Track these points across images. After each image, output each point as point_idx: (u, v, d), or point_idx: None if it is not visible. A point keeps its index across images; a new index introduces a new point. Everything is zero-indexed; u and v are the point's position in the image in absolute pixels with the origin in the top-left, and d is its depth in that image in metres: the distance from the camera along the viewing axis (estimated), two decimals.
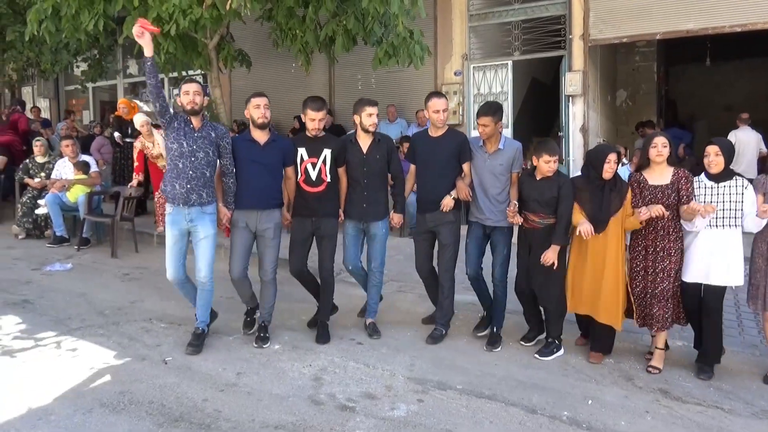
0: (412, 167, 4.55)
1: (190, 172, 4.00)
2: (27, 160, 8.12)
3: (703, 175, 3.87)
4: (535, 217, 4.07)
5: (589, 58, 8.22)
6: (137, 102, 8.72)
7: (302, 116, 4.34)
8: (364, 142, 4.38)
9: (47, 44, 8.45)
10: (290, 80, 10.26)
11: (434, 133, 4.39)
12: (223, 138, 4.17)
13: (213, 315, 4.40)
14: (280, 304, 4.74)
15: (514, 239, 4.33)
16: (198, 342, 4.11)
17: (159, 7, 6.17)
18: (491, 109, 4.21)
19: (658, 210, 3.73)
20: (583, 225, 3.89)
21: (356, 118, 4.36)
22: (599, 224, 3.90)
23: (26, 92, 13.29)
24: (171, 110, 4.02)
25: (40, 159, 8.02)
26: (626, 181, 4.05)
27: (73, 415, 3.18)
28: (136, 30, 3.82)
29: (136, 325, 4.53)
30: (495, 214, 4.25)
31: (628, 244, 4.06)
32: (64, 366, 3.80)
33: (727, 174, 3.79)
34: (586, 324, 4.24)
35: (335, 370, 3.83)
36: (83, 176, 7.56)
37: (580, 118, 8.31)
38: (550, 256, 3.96)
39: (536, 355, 4.11)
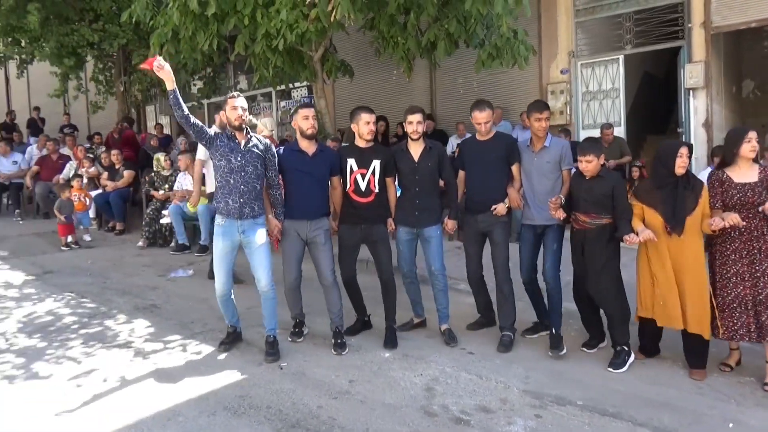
0: (461, 173, 4.55)
1: (242, 187, 4.06)
2: (152, 173, 8.76)
3: None
4: (586, 217, 3.93)
5: (711, 47, 7.59)
6: (250, 118, 9.17)
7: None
8: (416, 150, 4.39)
9: None
10: (392, 88, 10.34)
11: (482, 137, 4.41)
12: (268, 151, 4.22)
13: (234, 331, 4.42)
14: (377, 310, 4.75)
15: (567, 237, 4.20)
16: (273, 350, 4.14)
17: (267, 23, 6.42)
18: (547, 105, 4.36)
19: (734, 219, 3.46)
20: (644, 233, 3.69)
21: (407, 126, 4.39)
22: (676, 226, 3.65)
23: (149, 111, 14.37)
24: (209, 131, 4.08)
25: (164, 172, 8.62)
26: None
27: (199, 417, 3.33)
28: (155, 65, 3.86)
29: (253, 330, 4.69)
30: (544, 212, 4.17)
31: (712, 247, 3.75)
32: (189, 368, 4.01)
33: None
34: (651, 336, 3.96)
35: (447, 381, 3.76)
36: (202, 187, 8.01)
37: (702, 112, 7.70)
38: (633, 239, 3.73)
39: (609, 369, 3.85)
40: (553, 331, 4.25)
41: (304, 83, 10.27)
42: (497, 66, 6.81)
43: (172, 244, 7.95)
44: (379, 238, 4.40)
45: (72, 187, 8.54)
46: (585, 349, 4.19)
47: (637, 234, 3.73)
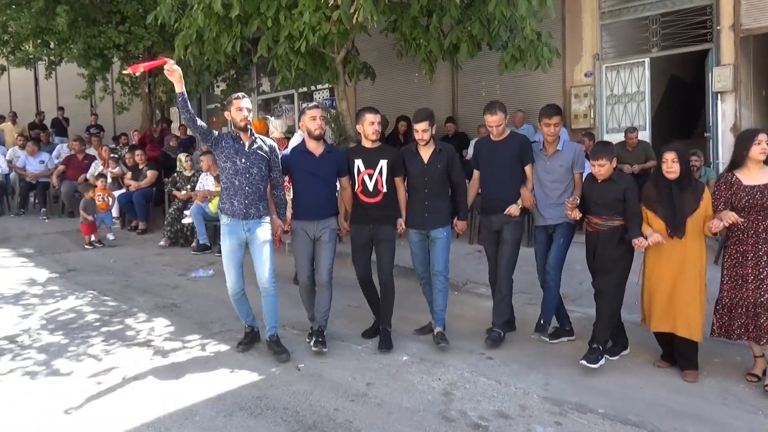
0: (476, 173, 4.58)
1: (247, 188, 4.07)
2: (175, 174, 8.85)
3: None
4: (598, 219, 3.98)
5: (740, 50, 7.41)
6: (267, 118, 9.21)
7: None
8: (425, 152, 4.39)
9: (191, 67, 9.15)
10: (413, 90, 10.30)
11: (496, 138, 4.42)
12: (273, 152, 4.22)
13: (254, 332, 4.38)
14: (403, 312, 4.75)
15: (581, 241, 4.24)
16: (280, 348, 4.14)
17: (290, 25, 6.44)
18: (557, 110, 4.34)
19: (731, 217, 3.47)
20: (652, 236, 3.73)
21: (416, 134, 4.37)
22: (677, 228, 3.68)
23: (174, 112, 14.51)
24: (215, 133, 4.11)
25: (186, 173, 8.70)
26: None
27: (216, 417, 3.33)
28: (166, 68, 3.88)
29: None
30: (555, 212, 4.29)
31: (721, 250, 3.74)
32: (207, 368, 4.02)
33: None
34: (667, 344, 3.90)
35: (465, 386, 3.71)
36: None
37: (731, 116, 7.53)
38: (642, 243, 3.77)
39: (582, 362, 3.84)
40: (542, 321, 4.37)
41: (326, 85, 10.31)
42: (520, 68, 6.74)
43: (194, 244, 8.01)
44: (384, 238, 4.40)
45: (96, 186, 8.66)
46: (608, 357, 4.10)
47: (646, 238, 3.75)
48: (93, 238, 8.28)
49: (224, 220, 4.16)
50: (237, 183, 4.08)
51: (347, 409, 3.42)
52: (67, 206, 10.53)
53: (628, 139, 7.72)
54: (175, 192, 8.63)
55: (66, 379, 3.86)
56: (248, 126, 4.10)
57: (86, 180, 9.80)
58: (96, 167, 10.17)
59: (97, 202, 8.43)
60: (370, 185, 4.35)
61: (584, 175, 4.26)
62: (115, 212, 9.39)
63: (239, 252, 4.17)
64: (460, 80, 9.96)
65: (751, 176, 3.63)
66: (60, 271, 6.85)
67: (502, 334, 4.36)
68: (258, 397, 3.56)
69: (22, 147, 11.01)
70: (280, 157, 4.31)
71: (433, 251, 4.43)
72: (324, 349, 4.21)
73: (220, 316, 5.13)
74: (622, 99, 8.50)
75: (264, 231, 4.16)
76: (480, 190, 4.60)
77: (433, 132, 4.37)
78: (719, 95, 7.55)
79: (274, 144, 4.33)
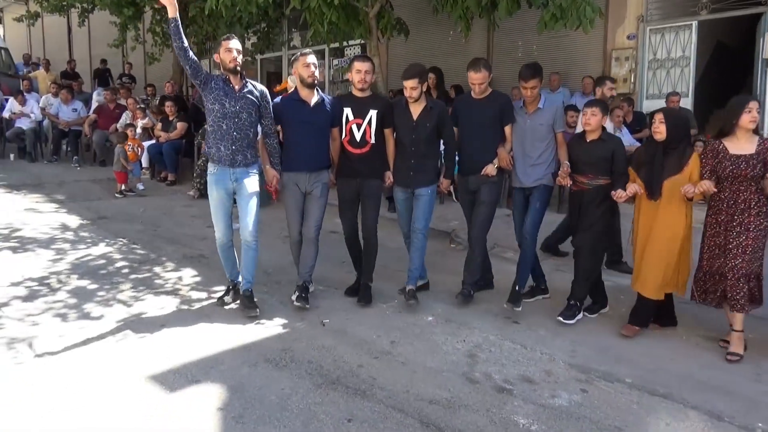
0: (456, 131, 4.43)
1: (235, 134, 3.94)
2: (205, 126, 8.82)
3: None
4: (584, 178, 4.02)
5: None
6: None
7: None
8: (416, 109, 4.25)
9: (223, 18, 9.03)
10: (447, 48, 10.04)
11: (477, 95, 4.30)
12: (264, 98, 4.07)
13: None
14: (430, 275, 4.69)
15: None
16: (251, 304, 4.05)
17: None
18: (537, 71, 4.16)
19: (703, 185, 3.48)
20: (630, 186, 3.80)
21: (405, 89, 4.21)
22: (652, 190, 3.73)
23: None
24: (205, 71, 3.96)
25: None
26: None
27: (241, 366, 3.36)
28: None
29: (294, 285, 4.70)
30: (533, 174, 4.23)
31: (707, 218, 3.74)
32: (233, 319, 4.05)
33: None
34: (660, 306, 3.93)
35: (491, 349, 3.68)
36: None
37: None
38: (620, 194, 3.81)
39: (559, 318, 4.01)
40: (516, 287, 4.30)
41: (358, 41, 10.09)
42: (560, 28, 6.48)
43: None
44: (369, 194, 4.31)
45: (126, 136, 8.71)
46: (586, 314, 4.18)
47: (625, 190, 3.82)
48: (123, 187, 8.37)
49: (211, 168, 4.04)
50: (225, 127, 3.94)
51: (371, 365, 3.42)
52: (98, 155, 10.66)
53: (670, 103, 7.42)
54: (204, 144, 8.61)
55: (96, 323, 3.93)
56: (237, 68, 3.93)
57: (117, 130, 9.85)
58: (126, 117, 10.22)
59: (127, 152, 8.48)
60: (358, 135, 4.21)
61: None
62: (144, 162, 9.46)
63: (227, 202, 4.07)
64: (496, 39, 9.67)
65: (738, 145, 3.56)
66: (91, 218, 6.96)
67: (472, 292, 4.34)
68: (283, 350, 3.58)
69: (55, 95, 11.11)
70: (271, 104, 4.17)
71: (416, 207, 4.35)
72: (306, 305, 4.16)
73: None
74: (665, 64, 8.17)
75: (252, 182, 4.06)
76: (458, 149, 4.48)
77: (424, 89, 4.24)
78: None
79: (266, 90, 4.18)
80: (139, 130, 9.39)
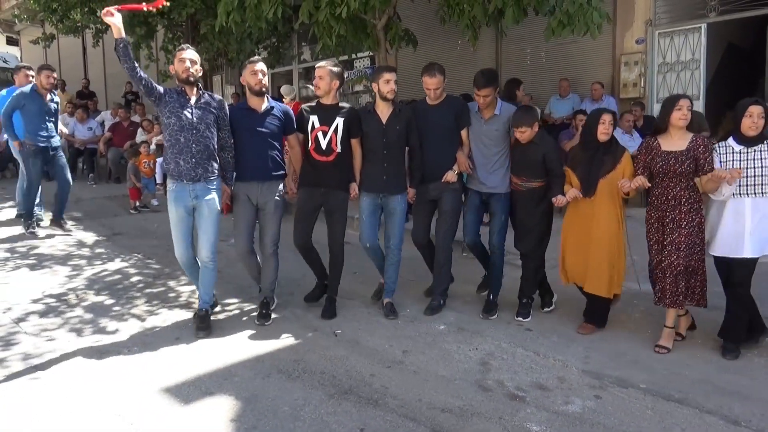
0: None
1: (194, 146, 3.83)
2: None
3: (731, 139, 3.58)
4: (517, 179, 4.17)
5: None
6: (308, 87, 9.16)
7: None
8: (384, 112, 4.22)
9: (233, 34, 9.15)
10: (456, 57, 10.08)
11: (432, 101, 4.29)
12: (222, 109, 3.99)
13: (214, 303, 4.31)
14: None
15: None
16: (204, 324, 3.98)
17: None
18: (491, 79, 4.14)
19: (637, 181, 3.60)
20: (570, 191, 3.91)
21: (375, 86, 4.21)
22: (588, 188, 3.85)
23: (216, 80, 14.63)
24: (159, 88, 3.84)
25: None
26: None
27: (254, 378, 3.39)
28: (105, 11, 3.65)
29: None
30: (491, 180, 4.26)
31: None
32: (246, 331, 4.08)
33: (759, 138, 3.49)
34: (592, 304, 4.05)
35: (503, 356, 3.67)
36: None
37: None
38: (560, 200, 3.95)
39: (518, 318, 4.20)
40: (491, 297, 4.33)
41: (367, 53, 10.17)
42: (568, 34, 6.46)
43: None
44: (336, 207, 4.26)
45: (140, 153, 8.83)
46: (544, 310, 4.38)
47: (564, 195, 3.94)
48: (138, 203, 8.47)
49: (170, 185, 3.92)
50: (183, 140, 3.82)
51: (383, 375, 3.42)
52: (113, 172, 10.80)
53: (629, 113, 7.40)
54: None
55: (111, 336, 3.98)
56: (191, 79, 3.84)
57: (131, 146, 9.99)
58: (141, 134, 10.36)
59: (141, 168, 8.60)
60: (324, 143, 4.14)
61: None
62: (159, 178, 9.57)
63: (187, 220, 3.96)
64: (504, 47, 9.68)
65: (671, 142, 3.64)
66: (106, 234, 7.05)
67: (442, 301, 4.37)
68: (295, 361, 3.60)
69: (71, 114, 11.30)
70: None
71: (390, 223, 4.32)
72: (266, 323, 4.13)
73: None
74: (674, 67, 8.13)
75: (212, 203, 3.95)
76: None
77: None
78: None
79: (224, 101, 4.12)
80: (153, 147, 9.51)
